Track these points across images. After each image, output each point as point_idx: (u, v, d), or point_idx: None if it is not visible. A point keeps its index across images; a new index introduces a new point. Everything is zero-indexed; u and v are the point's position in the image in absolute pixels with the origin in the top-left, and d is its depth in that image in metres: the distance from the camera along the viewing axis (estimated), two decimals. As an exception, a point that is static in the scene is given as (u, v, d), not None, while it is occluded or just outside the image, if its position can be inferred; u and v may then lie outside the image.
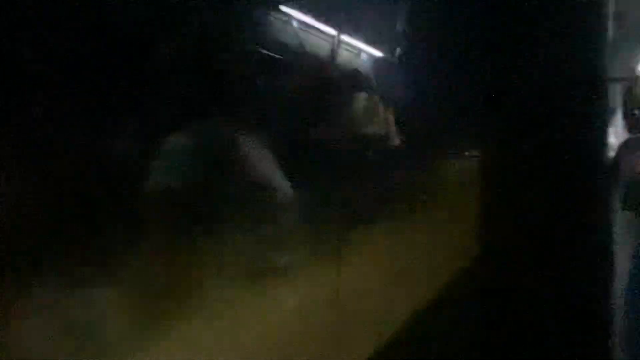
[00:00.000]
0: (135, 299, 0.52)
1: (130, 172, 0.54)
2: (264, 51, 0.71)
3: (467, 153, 0.77)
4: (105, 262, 0.49)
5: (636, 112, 1.91)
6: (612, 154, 1.92)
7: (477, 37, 0.72)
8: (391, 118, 0.90)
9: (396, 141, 0.90)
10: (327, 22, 0.82)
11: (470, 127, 0.76)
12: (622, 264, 1.78)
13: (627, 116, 1.92)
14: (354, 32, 0.87)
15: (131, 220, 0.53)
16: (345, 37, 0.86)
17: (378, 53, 0.92)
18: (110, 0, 0.52)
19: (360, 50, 0.91)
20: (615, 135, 2.01)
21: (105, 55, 0.51)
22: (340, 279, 0.73)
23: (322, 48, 0.83)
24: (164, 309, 0.55)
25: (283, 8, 0.75)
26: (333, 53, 0.84)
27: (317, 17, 0.81)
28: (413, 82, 0.87)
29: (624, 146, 1.96)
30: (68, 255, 0.47)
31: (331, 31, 0.84)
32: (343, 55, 0.86)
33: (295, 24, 0.78)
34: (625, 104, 1.94)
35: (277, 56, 0.73)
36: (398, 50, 0.81)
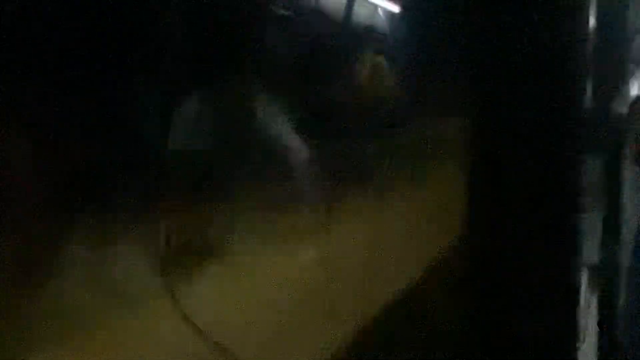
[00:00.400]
0: (151, 259, 0.52)
1: (146, 136, 0.53)
2: (276, 9, 0.68)
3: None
4: (122, 226, 0.48)
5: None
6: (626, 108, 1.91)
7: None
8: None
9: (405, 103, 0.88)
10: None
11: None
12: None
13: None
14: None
15: (149, 184, 0.52)
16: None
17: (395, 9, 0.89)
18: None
19: (377, 7, 0.88)
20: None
21: (114, 18, 0.49)
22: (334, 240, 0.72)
23: (336, 4, 0.80)
24: (179, 266, 0.55)
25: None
26: (348, 10, 0.81)
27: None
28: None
29: (638, 101, 1.95)
30: (85, 219, 0.47)
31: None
32: (358, 12, 0.83)
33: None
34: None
35: (290, 14, 0.70)
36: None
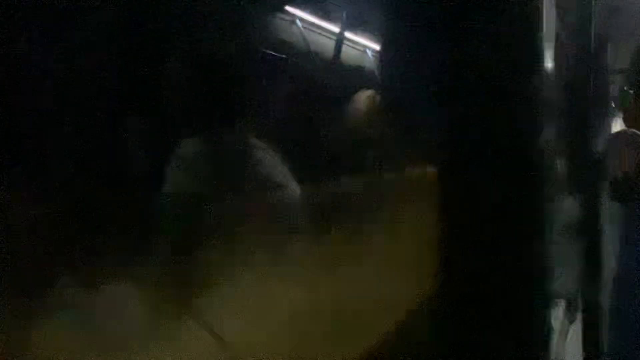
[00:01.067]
0: (152, 299, 0.52)
1: (145, 177, 0.54)
2: (270, 52, 0.70)
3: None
4: (121, 267, 0.49)
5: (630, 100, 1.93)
6: (602, 146, 1.95)
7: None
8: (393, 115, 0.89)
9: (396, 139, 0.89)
10: (331, 20, 0.81)
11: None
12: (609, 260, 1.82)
13: (621, 109, 1.94)
14: (360, 29, 0.86)
15: (147, 226, 0.53)
16: (350, 35, 0.85)
17: (384, 50, 0.91)
18: (119, 11, 0.50)
19: (366, 48, 0.90)
20: (613, 128, 2.05)
21: (116, 64, 0.50)
22: (338, 277, 0.73)
23: (326, 46, 0.82)
24: (180, 303, 0.54)
25: (287, 8, 0.74)
26: (338, 51, 0.83)
27: (322, 16, 0.79)
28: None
29: (615, 138, 1.99)
30: (85, 259, 0.46)
31: (336, 29, 0.83)
32: (348, 53, 0.85)
33: (299, 23, 0.76)
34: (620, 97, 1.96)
35: (282, 56, 0.72)
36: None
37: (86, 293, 0.47)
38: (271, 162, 0.69)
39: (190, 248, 0.56)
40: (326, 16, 0.79)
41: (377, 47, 0.87)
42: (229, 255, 0.59)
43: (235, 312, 0.58)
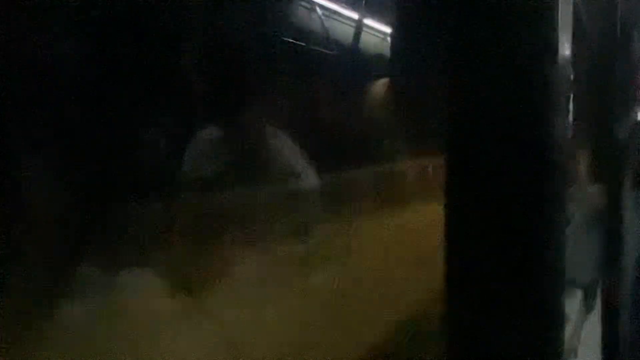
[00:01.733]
0: (165, 288, 0.53)
1: (162, 165, 0.54)
2: (287, 39, 0.70)
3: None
4: (136, 254, 0.49)
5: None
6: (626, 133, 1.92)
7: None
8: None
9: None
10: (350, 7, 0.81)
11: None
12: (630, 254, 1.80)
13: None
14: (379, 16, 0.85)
15: (164, 212, 0.53)
16: (369, 22, 0.85)
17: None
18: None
19: (386, 35, 0.89)
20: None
21: (131, 51, 0.50)
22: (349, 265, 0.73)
23: (345, 33, 0.81)
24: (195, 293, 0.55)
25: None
26: (356, 38, 0.82)
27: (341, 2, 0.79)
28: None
29: (637, 126, 1.96)
30: (97, 247, 0.47)
31: (355, 15, 0.82)
32: (367, 40, 0.84)
33: (318, 10, 0.76)
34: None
35: (301, 44, 0.72)
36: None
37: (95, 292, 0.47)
38: (289, 150, 0.69)
39: (207, 235, 0.57)
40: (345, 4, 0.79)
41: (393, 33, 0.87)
42: (245, 244, 0.60)
43: (251, 298, 0.59)
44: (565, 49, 0.67)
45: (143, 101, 0.52)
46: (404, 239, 0.79)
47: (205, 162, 0.59)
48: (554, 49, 0.64)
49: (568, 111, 0.70)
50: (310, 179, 0.70)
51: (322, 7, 0.76)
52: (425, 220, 0.78)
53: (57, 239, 0.45)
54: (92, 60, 0.47)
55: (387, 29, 0.90)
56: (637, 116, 2.08)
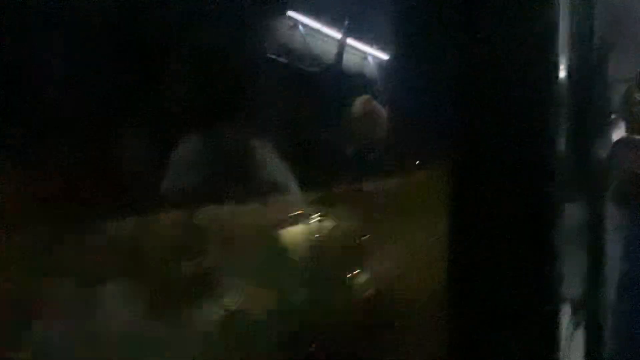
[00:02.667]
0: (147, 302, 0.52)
1: (145, 178, 0.54)
2: (272, 56, 0.70)
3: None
4: (115, 267, 0.49)
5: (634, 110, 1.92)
6: (607, 151, 1.94)
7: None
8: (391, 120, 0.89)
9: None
10: (333, 26, 0.82)
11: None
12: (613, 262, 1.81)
13: (626, 115, 1.93)
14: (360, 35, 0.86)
15: (145, 224, 0.53)
16: (351, 41, 0.85)
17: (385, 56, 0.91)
18: (124, 10, 0.51)
19: (367, 54, 0.90)
20: (616, 134, 2.04)
21: (116, 64, 0.50)
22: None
23: (328, 52, 0.82)
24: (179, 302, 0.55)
25: (290, 13, 0.74)
26: (339, 57, 0.83)
27: (324, 21, 0.80)
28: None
29: (619, 144, 1.98)
30: (78, 260, 0.47)
31: (337, 35, 0.83)
32: (349, 59, 0.85)
33: (301, 28, 0.77)
34: (625, 104, 1.95)
35: (284, 61, 0.73)
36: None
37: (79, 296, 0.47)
38: (273, 163, 0.70)
39: (190, 247, 0.57)
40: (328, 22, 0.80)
41: (379, 52, 0.88)
42: (227, 256, 0.59)
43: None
44: (559, 71, 0.68)
45: (126, 114, 0.52)
46: (394, 255, 0.79)
47: (188, 175, 0.59)
48: (546, 72, 0.66)
49: (555, 131, 0.71)
50: (293, 192, 0.70)
51: (305, 25, 0.77)
52: (410, 237, 0.78)
53: (30, 251, 0.45)
54: (73, 71, 0.47)
55: (370, 49, 0.91)
56: (616, 135, 2.11)
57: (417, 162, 0.82)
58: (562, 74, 0.72)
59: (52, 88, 0.46)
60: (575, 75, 1.93)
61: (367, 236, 0.77)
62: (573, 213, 1.89)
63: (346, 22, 0.83)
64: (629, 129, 1.95)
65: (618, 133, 2.07)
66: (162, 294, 0.54)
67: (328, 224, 0.72)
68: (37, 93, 0.45)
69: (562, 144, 0.75)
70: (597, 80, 1.91)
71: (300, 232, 0.69)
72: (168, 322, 0.54)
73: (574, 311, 1.72)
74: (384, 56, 0.91)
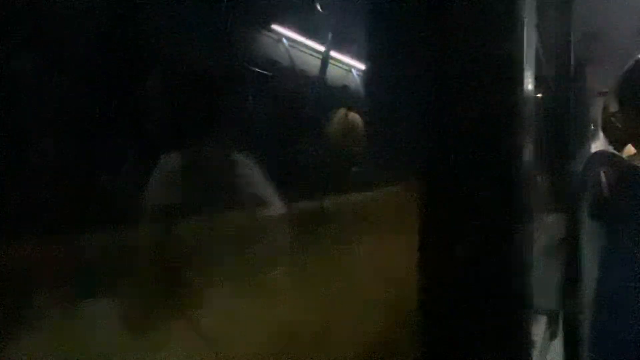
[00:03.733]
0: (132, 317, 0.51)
1: (126, 193, 0.52)
2: (255, 69, 0.69)
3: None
4: (100, 284, 0.47)
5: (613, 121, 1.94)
6: (581, 166, 1.97)
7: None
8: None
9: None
10: (316, 39, 0.81)
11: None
12: (590, 270, 1.82)
13: (604, 129, 1.95)
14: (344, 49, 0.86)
15: (127, 239, 0.51)
16: (335, 54, 0.85)
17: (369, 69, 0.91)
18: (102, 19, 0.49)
19: (351, 67, 0.90)
20: (595, 146, 2.06)
21: (98, 77, 0.49)
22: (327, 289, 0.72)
23: (311, 65, 0.81)
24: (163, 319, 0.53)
25: (273, 26, 0.73)
26: (322, 70, 0.83)
27: (307, 34, 0.79)
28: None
29: (592, 158, 2.00)
30: (60, 274, 0.45)
31: (320, 48, 0.83)
32: (332, 72, 0.84)
33: (285, 41, 0.76)
34: (602, 119, 1.97)
35: (267, 73, 0.72)
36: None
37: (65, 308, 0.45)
38: (255, 178, 0.68)
39: (171, 263, 0.55)
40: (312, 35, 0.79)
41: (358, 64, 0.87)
42: (211, 274, 0.58)
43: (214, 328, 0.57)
44: (529, 84, 0.68)
45: (106, 128, 0.50)
46: (374, 268, 0.79)
47: (170, 191, 0.58)
48: (518, 83, 0.66)
49: (530, 144, 0.71)
50: (278, 207, 0.69)
51: (288, 38, 0.76)
52: (394, 249, 0.77)
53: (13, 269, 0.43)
54: (52, 85, 0.46)
55: (354, 61, 0.90)
56: (592, 147, 2.14)
57: (388, 177, 0.82)
58: (532, 88, 0.72)
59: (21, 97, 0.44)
60: (553, 89, 1.96)
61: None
62: (552, 225, 1.91)
63: (329, 35, 0.82)
64: (606, 141, 1.97)
65: (597, 145, 2.09)
66: (141, 309, 0.52)
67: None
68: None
69: (533, 158, 0.75)
70: (576, 93, 1.93)
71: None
72: (147, 336, 0.52)
73: (550, 322, 1.74)
74: (361, 69, 0.91)
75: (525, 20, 0.68)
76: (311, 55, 0.80)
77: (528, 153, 0.70)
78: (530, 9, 0.70)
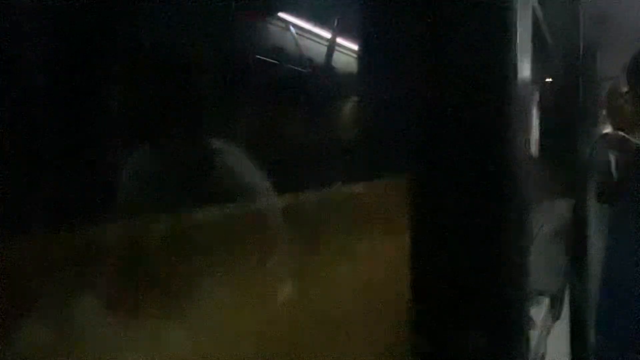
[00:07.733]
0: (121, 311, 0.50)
1: (114, 184, 0.51)
2: (259, 57, 0.68)
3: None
4: (87, 283, 0.47)
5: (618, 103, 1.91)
6: (589, 149, 1.94)
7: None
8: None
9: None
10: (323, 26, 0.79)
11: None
12: (597, 255, 1.81)
13: (610, 113, 1.93)
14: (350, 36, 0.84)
15: (117, 230, 0.51)
16: (341, 41, 0.83)
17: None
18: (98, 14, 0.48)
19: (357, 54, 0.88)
20: (604, 130, 2.03)
21: (90, 67, 0.48)
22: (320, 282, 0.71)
23: (317, 52, 0.80)
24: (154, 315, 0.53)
25: (279, 14, 0.72)
26: (328, 57, 0.81)
27: (314, 21, 0.77)
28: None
29: (600, 140, 1.97)
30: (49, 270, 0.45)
31: (327, 35, 0.81)
32: (338, 60, 0.83)
33: (292, 28, 0.74)
34: (608, 102, 1.95)
35: (274, 61, 0.70)
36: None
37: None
38: (247, 168, 0.67)
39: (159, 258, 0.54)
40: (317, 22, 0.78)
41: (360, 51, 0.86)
42: (202, 266, 0.57)
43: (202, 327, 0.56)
44: (529, 69, 0.67)
45: (86, 116, 0.49)
46: (366, 261, 0.78)
47: (152, 182, 0.57)
48: (517, 69, 0.64)
49: (535, 127, 0.70)
50: (268, 199, 0.68)
51: (295, 25, 0.74)
52: (389, 239, 0.76)
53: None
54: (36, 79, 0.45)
55: (356, 48, 0.89)
56: (599, 130, 2.10)
57: (378, 170, 0.81)
58: (529, 77, 0.71)
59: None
60: (563, 75, 1.92)
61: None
62: (559, 209, 1.89)
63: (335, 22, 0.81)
64: (615, 124, 1.93)
65: (606, 129, 2.06)
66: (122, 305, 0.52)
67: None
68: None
69: (528, 149, 0.74)
70: (586, 78, 1.90)
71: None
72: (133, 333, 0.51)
73: (554, 304, 1.72)
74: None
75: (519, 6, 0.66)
76: (317, 41, 0.79)
77: (522, 144, 0.69)
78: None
